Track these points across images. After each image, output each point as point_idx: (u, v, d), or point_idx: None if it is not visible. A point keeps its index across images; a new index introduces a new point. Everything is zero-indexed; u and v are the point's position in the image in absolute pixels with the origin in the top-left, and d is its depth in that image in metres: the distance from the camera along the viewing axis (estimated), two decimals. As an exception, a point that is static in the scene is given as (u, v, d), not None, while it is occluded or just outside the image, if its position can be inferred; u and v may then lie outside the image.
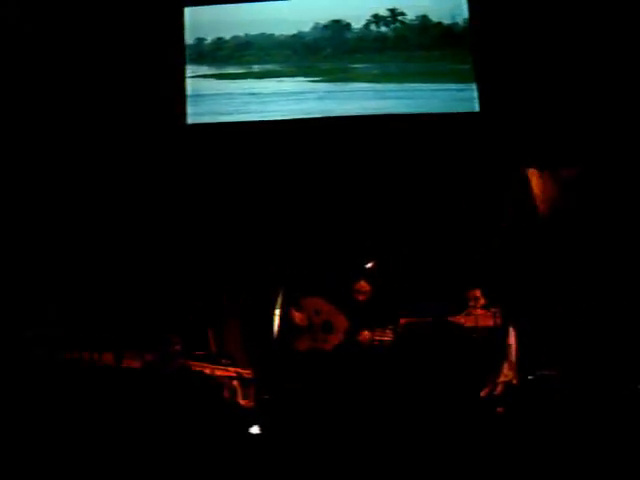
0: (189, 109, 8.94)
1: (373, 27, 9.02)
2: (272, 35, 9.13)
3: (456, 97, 8.79)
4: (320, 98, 8.96)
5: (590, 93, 8.34)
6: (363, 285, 7.46)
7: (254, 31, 9.13)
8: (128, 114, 8.74)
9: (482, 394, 6.90)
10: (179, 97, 8.92)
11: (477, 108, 8.65)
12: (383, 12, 9.01)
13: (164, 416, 6.36)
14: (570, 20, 8.45)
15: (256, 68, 9.16)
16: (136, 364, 7.07)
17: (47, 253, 8.27)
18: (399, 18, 9.00)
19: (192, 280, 8.21)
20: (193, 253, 8.42)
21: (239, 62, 9.19)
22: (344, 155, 8.53)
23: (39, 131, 8.70)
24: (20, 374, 6.80)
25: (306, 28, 9.07)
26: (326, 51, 9.10)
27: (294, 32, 9.07)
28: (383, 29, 9.02)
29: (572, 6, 8.48)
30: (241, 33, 9.17)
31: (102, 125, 8.75)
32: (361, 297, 7.45)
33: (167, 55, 8.91)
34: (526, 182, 8.04)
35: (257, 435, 6.67)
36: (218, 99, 9.08)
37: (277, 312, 7.68)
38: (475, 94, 8.68)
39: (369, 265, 7.71)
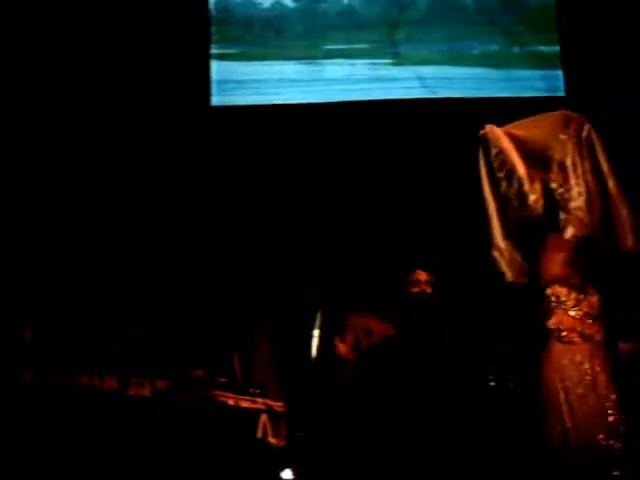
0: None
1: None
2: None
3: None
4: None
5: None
6: (420, 274, 6.40)
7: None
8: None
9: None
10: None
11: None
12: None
13: (179, 455, 5.74)
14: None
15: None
16: (145, 392, 6.16)
17: (49, 258, 7.87)
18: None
19: (215, 294, 7.56)
20: (216, 262, 7.94)
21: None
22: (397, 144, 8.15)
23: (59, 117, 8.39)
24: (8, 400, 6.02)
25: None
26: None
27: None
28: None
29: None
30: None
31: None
32: (416, 288, 6.38)
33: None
34: None
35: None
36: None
37: (316, 333, 6.71)
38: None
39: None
